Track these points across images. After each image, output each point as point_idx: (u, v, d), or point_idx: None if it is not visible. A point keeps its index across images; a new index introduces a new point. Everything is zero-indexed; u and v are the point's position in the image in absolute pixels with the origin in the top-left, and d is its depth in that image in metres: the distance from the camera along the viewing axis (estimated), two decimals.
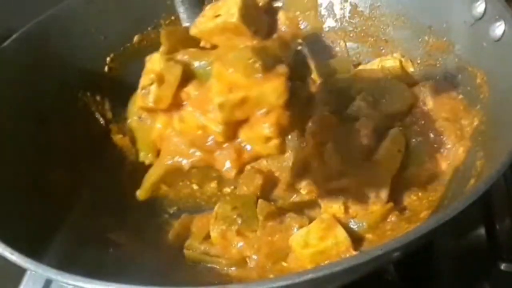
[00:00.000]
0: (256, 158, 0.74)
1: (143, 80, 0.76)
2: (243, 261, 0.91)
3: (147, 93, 0.75)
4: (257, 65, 0.68)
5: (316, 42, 1.24)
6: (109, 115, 1.15)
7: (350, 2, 1.22)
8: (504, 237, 0.97)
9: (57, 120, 1.05)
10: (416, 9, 1.12)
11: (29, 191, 0.91)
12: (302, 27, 0.80)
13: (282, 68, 0.69)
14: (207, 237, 0.97)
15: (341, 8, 1.23)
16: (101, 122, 1.14)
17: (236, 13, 0.71)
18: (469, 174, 0.84)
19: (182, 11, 0.94)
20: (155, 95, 0.74)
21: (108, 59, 1.17)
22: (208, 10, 0.76)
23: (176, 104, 0.75)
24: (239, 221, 0.94)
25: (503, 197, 1.00)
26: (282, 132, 0.70)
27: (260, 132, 0.70)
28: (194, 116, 0.73)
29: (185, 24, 0.93)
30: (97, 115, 1.14)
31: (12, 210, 0.85)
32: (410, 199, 0.96)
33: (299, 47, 0.81)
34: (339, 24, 1.24)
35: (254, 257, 0.90)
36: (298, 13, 0.80)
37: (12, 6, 1.38)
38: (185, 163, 0.76)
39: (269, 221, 0.93)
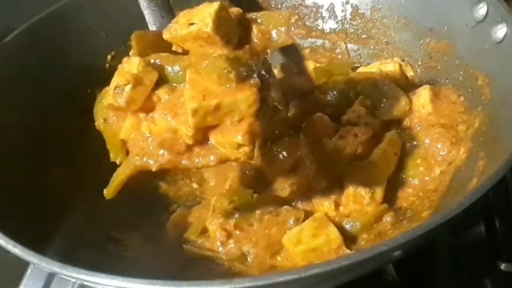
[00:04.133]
0: (224, 161, 0.77)
1: (118, 80, 0.78)
2: (243, 256, 0.91)
3: (120, 93, 0.77)
4: (231, 75, 0.72)
5: None
6: None
7: (351, 4, 1.22)
8: (504, 237, 0.97)
9: (57, 117, 1.05)
10: (417, 12, 1.13)
11: (30, 187, 0.91)
12: (273, 40, 0.81)
13: (254, 79, 0.74)
14: (204, 231, 0.97)
15: (342, 10, 1.24)
16: None
17: (210, 23, 0.74)
18: (471, 174, 0.85)
19: (148, 14, 0.97)
20: (129, 96, 0.77)
21: (109, 56, 1.17)
22: (182, 17, 0.79)
23: (146, 107, 0.78)
24: (236, 214, 0.94)
25: (503, 197, 1.01)
26: (253, 140, 0.74)
27: (232, 139, 0.73)
28: (165, 119, 0.76)
29: (152, 26, 0.97)
30: None
31: (14, 206, 0.85)
32: (410, 199, 0.96)
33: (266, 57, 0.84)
34: (340, 25, 1.25)
35: (252, 250, 0.91)
36: (270, 27, 0.80)
37: (12, 5, 1.38)
38: (153, 163, 0.78)
39: (266, 214, 0.94)
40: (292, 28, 1.27)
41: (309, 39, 1.27)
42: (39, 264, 0.69)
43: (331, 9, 1.24)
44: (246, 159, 0.75)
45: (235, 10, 0.80)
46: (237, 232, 0.93)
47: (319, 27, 1.26)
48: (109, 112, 0.83)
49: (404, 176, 0.98)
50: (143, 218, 1.02)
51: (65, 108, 1.07)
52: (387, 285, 0.97)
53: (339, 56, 1.25)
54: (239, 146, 0.74)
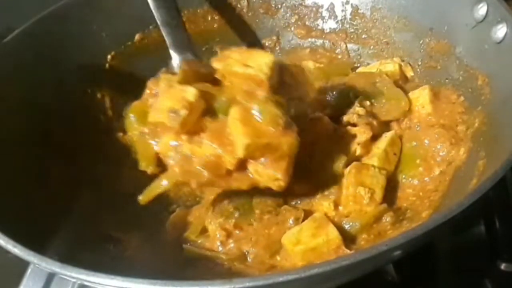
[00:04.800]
0: (255, 185, 0.88)
1: (170, 103, 0.85)
2: (243, 256, 0.91)
3: (175, 116, 0.85)
4: (281, 120, 0.85)
5: None
6: (110, 112, 1.15)
7: (351, 4, 1.22)
8: (504, 237, 0.97)
9: (58, 117, 1.05)
10: (417, 11, 1.12)
11: (30, 187, 0.91)
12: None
13: (294, 127, 0.87)
14: (204, 230, 0.97)
15: (342, 10, 1.24)
16: (102, 120, 1.14)
17: (269, 72, 0.87)
18: (471, 174, 0.85)
19: (158, 16, 1.07)
20: (183, 120, 0.84)
21: (109, 57, 1.17)
22: (236, 53, 0.91)
23: (191, 130, 0.86)
24: (236, 214, 0.95)
25: (503, 197, 1.01)
26: (289, 176, 0.86)
27: (272, 173, 0.85)
28: (211, 146, 0.85)
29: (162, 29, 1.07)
30: (98, 113, 1.14)
31: (14, 206, 0.84)
32: (410, 199, 0.96)
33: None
34: (340, 25, 1.25)
35: (252, 250, 0.91)
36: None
37: (12, 5, 1.38)
38: (194, 181, 0.87)
39: (265, 214, 0.95)
40: (292, 28, 1.28)
41: (309, 39, 1.27)
42: (39, 264, 0.69)
43: (331, 9, 1.24)
44: (278, 189, 0.87)
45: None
46: (237, 231, 0.93)
47: (319, 27, 1.26)
48: (148, 127, 0.90)
49: (404, 176, 0.98)
50: (143, 218, 1.01)
51: (65, 108, 1.07)
52: (387, 285, 0.97)
53: (339, 56, 1.25)
54: (276, 179, 0.86)
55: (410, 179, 0.98)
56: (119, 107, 1.15)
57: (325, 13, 1.25)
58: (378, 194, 0.93)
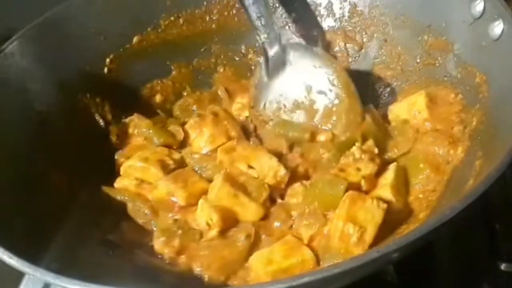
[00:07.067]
0: None
1: None
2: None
3: None
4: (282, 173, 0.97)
5: None
6: (109, 116, 1.15)
7: (349, 2, 1.21)
8: (504, 237, 0.96)
9: (57, 121, 1.06)
10: (415, 8, 1.11)
11: (28, 193, 0.92)
12: None
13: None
14: None
15: (340, 8, 1.22)
16: (101, 124, 1.14)
17: (270, 182, 0.96)
18: (468, 174, 0.84)
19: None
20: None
21: (107, 60, 1.17)
22: (242, 148, 1.00)
23: None
24: (179, 232, 0.94)
25: (503, 197, 1.00)
26: (222, 224, 0.95)
27: (208, 214, 0.93)
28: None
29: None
30: (97, 117, 1.14)
31: (11, 213, 0.85)
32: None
33: None
34: (339, 23, 1.23)
35: (205, 273, 0.88)
36: None
37: (12, 6, 1.39)
38: None
39: (213, 239, 0.92)
40: (291, 27, 1.27)
41: (308, 38, 1.26)
42: (34, 275, 0.69)
43: (329, 7, 1.23)
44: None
45: None
46: (184, 250, 0.92)
47: (318, 25, 1.25)
48: None
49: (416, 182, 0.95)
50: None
51: (63, 113, 1.08)
52: (387, 285, 0.96)
53: (338, 54, 1.23)
54: (211, 221, 0.92)
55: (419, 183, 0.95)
56: (118, 110, 1.16)
57: (323, 11, 1.24)
58: (370, 234, 0.83)
